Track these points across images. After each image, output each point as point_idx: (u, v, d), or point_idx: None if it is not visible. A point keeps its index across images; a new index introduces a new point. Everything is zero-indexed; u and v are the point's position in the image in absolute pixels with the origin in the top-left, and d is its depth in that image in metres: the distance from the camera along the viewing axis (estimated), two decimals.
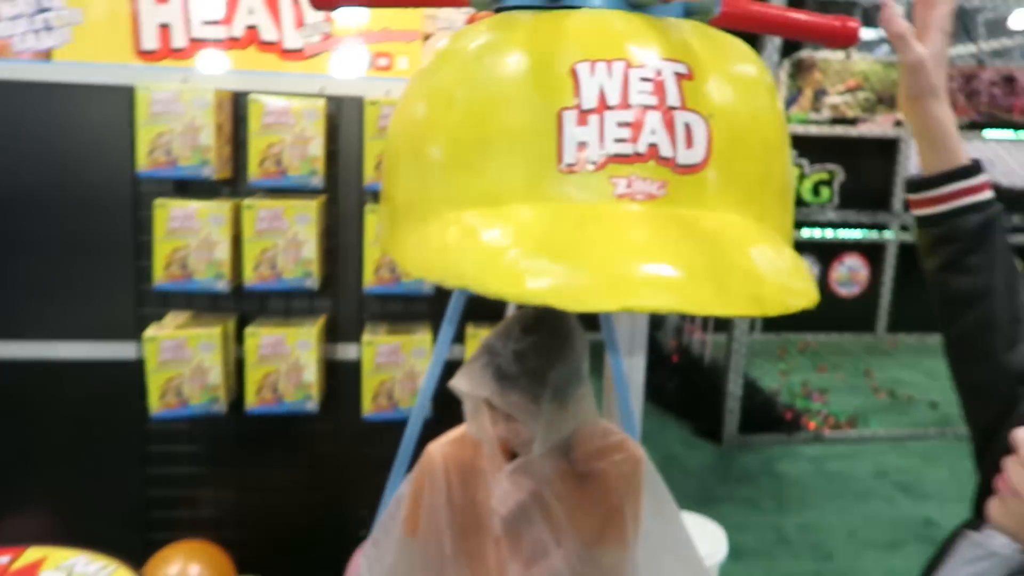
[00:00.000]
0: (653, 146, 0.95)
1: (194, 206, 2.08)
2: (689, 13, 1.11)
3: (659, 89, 0.96)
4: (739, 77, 1.05)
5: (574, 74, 0.95)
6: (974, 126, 5.76)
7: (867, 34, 6.48)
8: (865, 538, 3.30)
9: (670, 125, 0.96)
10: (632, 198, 0.94)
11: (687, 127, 0.97)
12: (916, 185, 0.93)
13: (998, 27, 6.38)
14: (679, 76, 0.98)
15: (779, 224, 1.07)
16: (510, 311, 2.16)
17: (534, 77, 0.96)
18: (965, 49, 6.08)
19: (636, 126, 0.95)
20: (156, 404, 2.10)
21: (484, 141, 0.98)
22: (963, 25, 5.59)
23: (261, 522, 2.37)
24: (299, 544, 2.41)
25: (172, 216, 2.07)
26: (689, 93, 0.98)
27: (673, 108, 0.96)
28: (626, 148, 0.94)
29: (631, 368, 2.32)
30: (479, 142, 0.98)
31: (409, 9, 2.29)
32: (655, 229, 0.92)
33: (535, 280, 0.86)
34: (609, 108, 0.95)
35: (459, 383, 1.26)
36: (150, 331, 2.09)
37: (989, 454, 0.84)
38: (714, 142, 0.98)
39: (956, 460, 4.16)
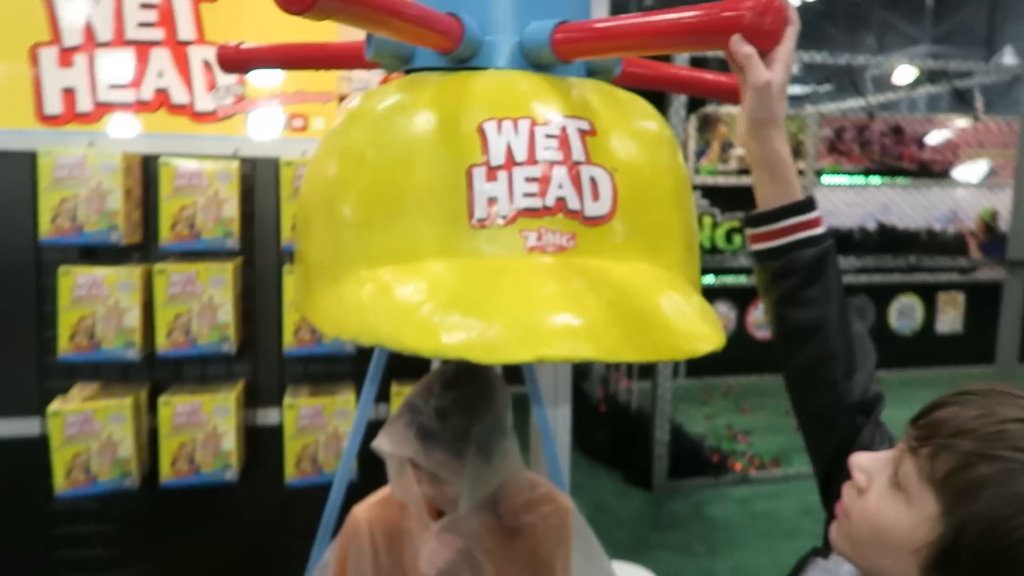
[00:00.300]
0: (561, 200, 0.98)
1: (101, 273, 2.01)
2: (591, 72, 1.16)
3: (564, 145, 1.00)
4: (641, 132, 1.10)
5: (482, 132, 0.98)
6: (868, 173, 6.13)
7: None
8: None
9: (576, 179, 0.99)
10: (543, 251, 0.97)
11: (593, 181, 1.01)
12: (756, 220, 0.95)
13: (883, 82, 6.88)
14: (583, 132, 1.02)
15: (686, 271, 1.11)
16: (435, 368, 2.15)
17: (443, 136, 0.99)
18: (856, 103, 6.52)
19: (544, 181, 0.98)
20: (62, 483, 1.98)
21: (396, 199, 0.99)
22: (852, 81, 5.99)
23: None
24: None
25: (77, 284, 1.99)
26: (593, 148, 1.02)
27: (579, 163, 1.00)
28: (535, 202, 0.97)
29: (556, 419, 2.32)
30: (391, 200, 0.99)
31: (324, 71, 2.31)
32: (566, 280, 0.95)
33: (450, 335, 0.87)
34: (517, 164, 0.98)
35: (381, 443, 1.24)
36: (54, 405, 1.98)
37: (833, 488, 0.85)
38: (619, 194, 1.02)
39: None
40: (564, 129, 1.01)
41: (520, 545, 1.34)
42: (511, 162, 0.98)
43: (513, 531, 1.35)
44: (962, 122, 6.32)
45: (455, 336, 0.86)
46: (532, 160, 0.98)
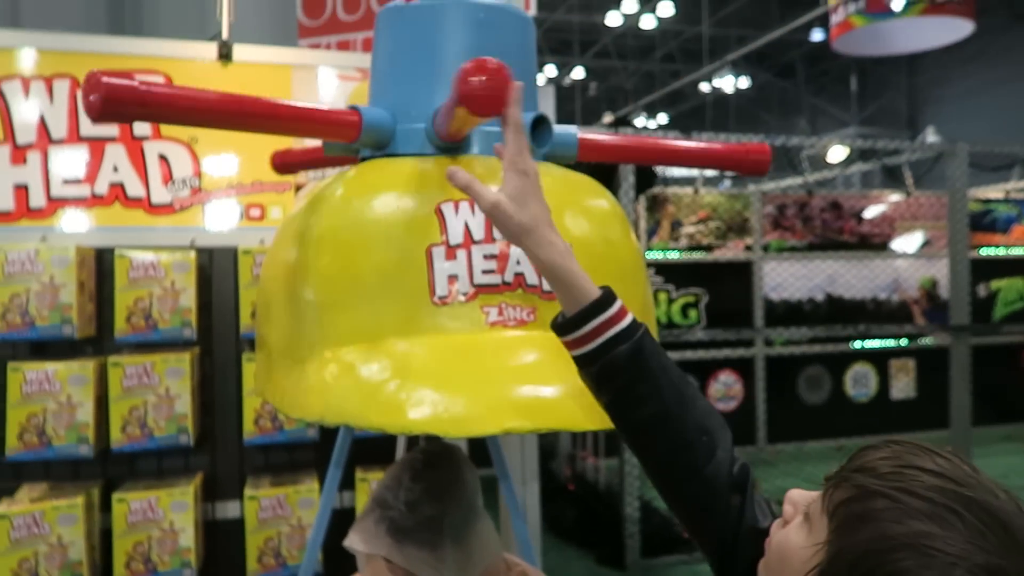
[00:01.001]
0: (519, 275, 1.02)
1: (52, 368, 1.96)
2: (548, 157, 1.21)
3: None
4: (592, 210, 1.16)
5: (439, 213, 1.02)
6: (812, 248, 6.37)
7: (710, 171, 7.16)
8: None
9: None
10: (504, 325, 1.00)
11: None
12: (559, 329, 0.88)
13: (818, 161, 7.24)
14: None
15: None
16: (399, 452, 2.12)
17: (401, 217, 1.02)
18: (794, 181, 6.83)
19: (502, 258, 1.02)
20: None
21: (356, 280, 1.02)
22: (789, 160, 6.30)
23: None
24: None
25: (27, 380, 1.94)
26: None
27: None
28: (494, 279, 1.01)
29: (526, 496, 2.30)
30: (352, 281, 1.02)
31: None
32: (529, 353, 0.97)
33: (416, 410, 0.88)
34: (475, 243, 1.02)
35: (353, 542, 1.21)
36: (0, 508, 1.89)
37: (729, 570, 0.84)
38: None
39: None
40: None
41: None
42: (469, 241, 1.01)
43: None
44: (895, 197, 6.65)
45: (421, 411, 0.87)
46: (490, 239, 1.02)
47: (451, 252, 1.00)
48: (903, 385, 6.78)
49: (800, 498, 0.74)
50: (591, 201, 1.17)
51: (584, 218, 1.12)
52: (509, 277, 1.01)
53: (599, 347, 0.85)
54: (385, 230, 1.02)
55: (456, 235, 1.01)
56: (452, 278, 0.99)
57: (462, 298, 0.99)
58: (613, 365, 0.85)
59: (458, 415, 0.87)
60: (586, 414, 0.93)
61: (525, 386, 0.92)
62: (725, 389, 6.44)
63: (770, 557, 0.75)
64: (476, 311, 0.99)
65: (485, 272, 1.00)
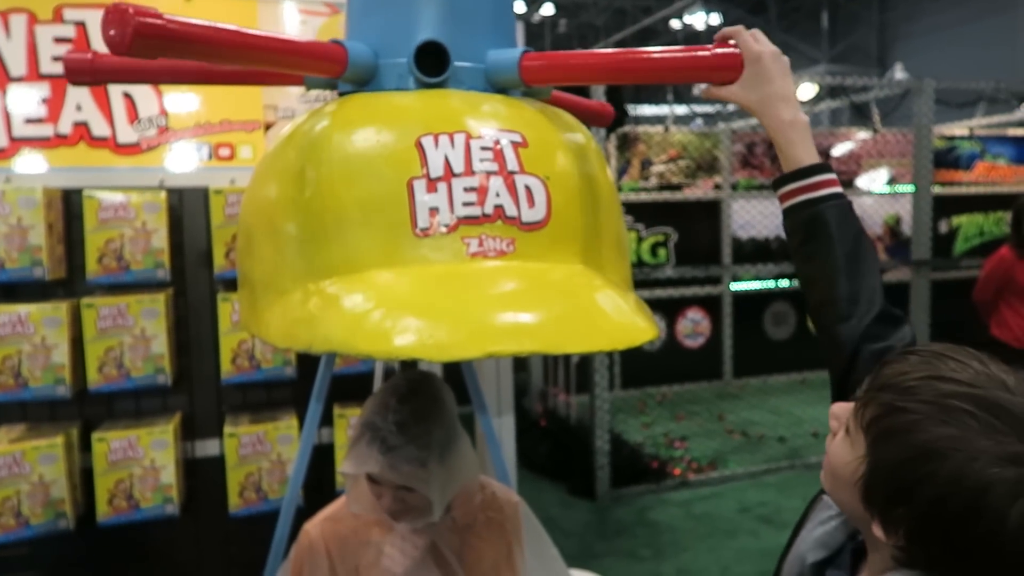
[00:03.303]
0: (499, 207, 1.03)
1: (25, 310, 1.95)
2: (526, 92, 1.22)
3: (499, 156, 1.05)
4: (569, 144, 1.17)
5: (419, 146, 1.02)
6: None
7: (681, 110, 7.14)
8: (738, 573, 3.46)
9: (512, 188, 1.05)
10: (485, 256, 1.02)
11: (528, 189, 1.06)
12: (773, 185, 1.09)
13: None
14: (515, 144, 1.08)
15: (618, 273, 1.18)
16: (377, 386, 2.15)
17: (381, 151, 1.03)
18: None
19: (481, 191, 1.03)
20: None
21: (338, 213, 1.02)
22: None
23: None
24: None
25: (0, 322, 1.93)
26: (526, 159, 1.08)
27: (513, 172, 1.06)
28: (474, 211, 1.02)
29: (501, 428, 2.36)
30: (333, 215, 1.03)
31: (249, 100, 2.31)
32: (509, 281, 1.00)
33: (401, 337, 0.90)
34: (455, 176, 1.02)
35: (348, 467, 1.25)
36: None
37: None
38: (553, 201, 1.08)
39: (808, 488, 4.47)
40: (498, 142, 1.06)
41: (479, 541, 1.39)
42: (449, 174, 1.02)
43: (471, 528, 1.39)
44: (863, 134, 6.70)
45: (406, 338, 0.90)
46: (469, 171, 1.03)
47: (432, 185, 1.01)
48: None
49: (841, 412, 0.84)
50: (568, 135, 1.18)
51: (561, 151, 1.13)
52: (489, 209, 1.02)
53: (790, 207, 1.05)
54: (366, 164, 1.03)
55: (436, 168, 1.02)
56: (433, 210, 1.01)
57: (443, 230, 1.00)
58: (796, 223, 1.05)
59: (442, 341, 0.90)
60: (564, 337, 0.96)
61: (505, 313, 0.94)
62: (693, 326, 6.56)
63: (827, 468, 0.85)
64: (457, 242, 1.00)
65: (465, 204, 1.02)
